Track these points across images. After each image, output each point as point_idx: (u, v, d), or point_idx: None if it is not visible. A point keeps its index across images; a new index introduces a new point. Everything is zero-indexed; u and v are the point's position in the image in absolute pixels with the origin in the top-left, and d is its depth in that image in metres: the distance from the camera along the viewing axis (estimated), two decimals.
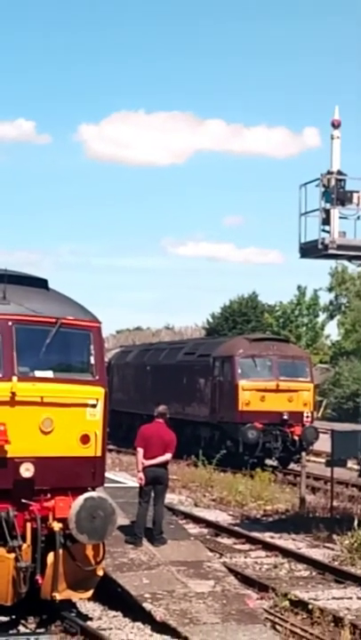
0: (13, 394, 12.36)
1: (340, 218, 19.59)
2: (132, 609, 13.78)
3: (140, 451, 16.60)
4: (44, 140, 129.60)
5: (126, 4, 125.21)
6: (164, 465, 16.78)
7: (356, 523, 19.29)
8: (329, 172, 19.64)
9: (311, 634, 13.03)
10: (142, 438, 16.72)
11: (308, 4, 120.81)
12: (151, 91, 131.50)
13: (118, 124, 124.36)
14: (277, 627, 13.38)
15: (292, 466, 33.92)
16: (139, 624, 13.30)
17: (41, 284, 13.65)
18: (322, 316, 76.88)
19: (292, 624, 13.49)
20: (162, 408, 17.21)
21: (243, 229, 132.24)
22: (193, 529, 20.66)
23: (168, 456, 16.71)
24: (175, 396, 38.73)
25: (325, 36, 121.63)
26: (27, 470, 12.41)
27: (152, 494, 16.72)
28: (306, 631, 13.20)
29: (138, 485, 16.83)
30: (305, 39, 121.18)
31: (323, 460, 27.77)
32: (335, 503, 23.70)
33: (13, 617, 13.18)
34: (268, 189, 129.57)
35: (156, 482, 16.65)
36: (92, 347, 13.31)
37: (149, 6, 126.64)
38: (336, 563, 18.04)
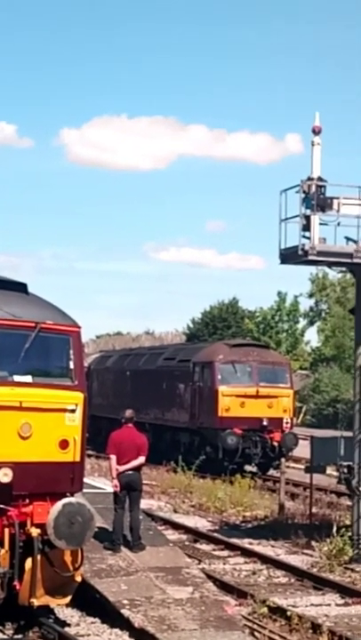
0: None
1: (321, 224, 19.61)
2: (110, 615, 13.74)
3: (113, 457, 16.57)
4: (26, 143, 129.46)
5: (109, 8, 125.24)
6: (137, 469, 16.75)
7: (334, 529, 19.31)
8: (309, 179, 19.67)
9: None
10: (114, 444, 16.69)
11: (293, 9, 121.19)
12: (134, 95, 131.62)
13: (100, 129, 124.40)
14: (256, 633, 13.36)
15: (271, 472, 33.93)
16: (117, 630, 13.26)
17: (20, 288, 13.59)
18: (302, 322, 77.13)
19: (270, 630, 13.47)
20: (129, 412, 17.18)
21: (225, 235, 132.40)
22: (172, 535, 20.60)
23: (142, 459, 16.72)
24: (155, 401, 38.72)
25: (309, 42, 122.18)
26: (5, 475, 12.36)
27: (127, 501, 16.68)
28: (284, 638, 13.20)
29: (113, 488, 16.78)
30: (289, 45, 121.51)
31: (302, 467, 27.84)
32: (314, 510, 23.71)
33: None
34: (250, 195, 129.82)
35: (130, 487, 16.63)
36: (71, 351, 13.27)
37: (132, 11, 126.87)
38: (315, 569, 18.05)
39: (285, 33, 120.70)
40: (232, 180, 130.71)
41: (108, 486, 18.40)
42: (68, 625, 13.53)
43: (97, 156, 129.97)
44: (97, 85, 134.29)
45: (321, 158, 19.96)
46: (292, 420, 35.12)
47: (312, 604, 15.46)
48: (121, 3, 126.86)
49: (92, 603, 14.29)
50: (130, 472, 16.57)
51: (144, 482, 29.24)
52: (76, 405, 12.98)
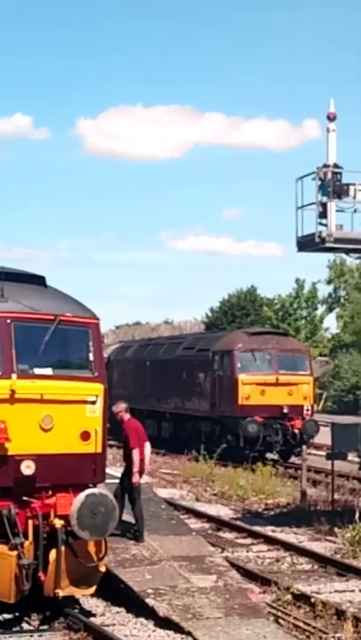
0: (13, 391, 12.38)
1: (337, 211, 19.60)
2: (134, 604, 13.80)
3: (137, 450, 16.58)
4: (42, 134, 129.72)
5: None
6: None
7: (357, 515, 19.29)
8: (325, 166, 19.64)
9: (314, 627, 13.06)
10: (136, 435, 16.72)
11: None
12: (149, 84, 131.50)
13: (116, 119, 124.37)
14: (280, 620, 13.40)
15: (292, 459, 33.96)
16: (142, 619, 13.31)
17: (39, 281, 13.67)
18: (321, 309, 76.94)
19: (294, 617, 13.51)
20: (125, 404, 17.06)
21: (241, 222, 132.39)
22: (195, 524, 20.68)
23: (149, 446, 16.96)
24: (175, 390, 38.79)
25: (325, 27, 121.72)
26: (27, 468, 12.44)
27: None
28: (308, 624, 13.23)
29: (135, 483, 16.73)
30: (305, 30, 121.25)
31: (323, 454, 27.79)
32: (336, 496, 23.72)
33: (17, 614, 13.20)
34: (267, 182, 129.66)
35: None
36: (90, 343, 13.33)
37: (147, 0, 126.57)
38: (338, 556, 18.06)
39: (302, 18, 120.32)
40: (249, 168, 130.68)
41: None
42: (94, 615, 13.61)
43: (113, 147, 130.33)
44: (112, 75, 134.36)
45: (337, 145, 19.95)
46: (312, 407, 35.09)
47: (336, 591, 15.49)
48: None
49: (116, 592, 14.36)
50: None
51: (166, 471, 29.47)
52: (97, 397, 13.04)
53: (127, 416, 16.98)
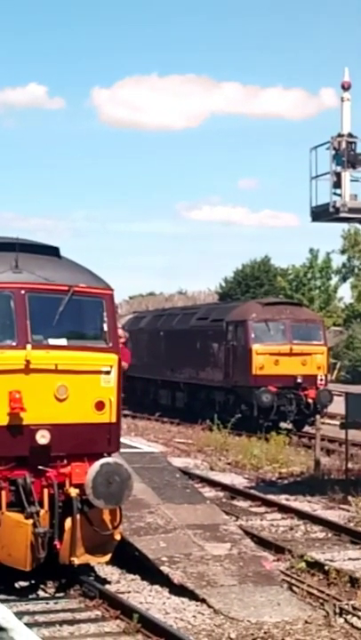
0: (28, 362, 12.45)
1: (352, 181, 19.57)
2: (149, 572, 13.91)
3: None
4: (57, 104, 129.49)
5: None
6: None
7: None
8: (339, 135, 19.59)
9: (328, 594, 13.14)
10: None
11: None
12: (165, 53, 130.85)
13: (131, 88, 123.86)
14: (294, 588, 13.48)
15: (306, 429, 34.04)
16: (157, 587, 13.42)
17: (53, 251, 13.69)
18: (335, 279, 76.78)
19: (308, 585, 13.58)
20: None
21: (257, 192, 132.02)
22: (209, 492, 20.79)
23: None
24: (189, 360, 38.87)
25: None
26: (42, 437, 12.52)
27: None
28: (322, 592, 13.30)
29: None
30: None
31: (337, 423, 27.86)
32: (350, 465, 23.78)
33: (32, 582, 13.32)
34: (284, 151, 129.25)
35: None
36: (104, 314, 13.36)
37: None
38: (352, 524, 18.13)
39: None
40: (265, 137, 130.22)
41: (145, 445, 18.53)
42: (109, 582, 13.72)
43: (129, 116, 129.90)
44: (127, 44, 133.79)
45: (351, 114, 19.88)
46: (326, 376, 35.14)
47: (350, 559, 15.57)
48: None
49: (131, 560, 14.47)
50: None
51: (180, 440, 29.62)
52: (111, 367, 13.09)
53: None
